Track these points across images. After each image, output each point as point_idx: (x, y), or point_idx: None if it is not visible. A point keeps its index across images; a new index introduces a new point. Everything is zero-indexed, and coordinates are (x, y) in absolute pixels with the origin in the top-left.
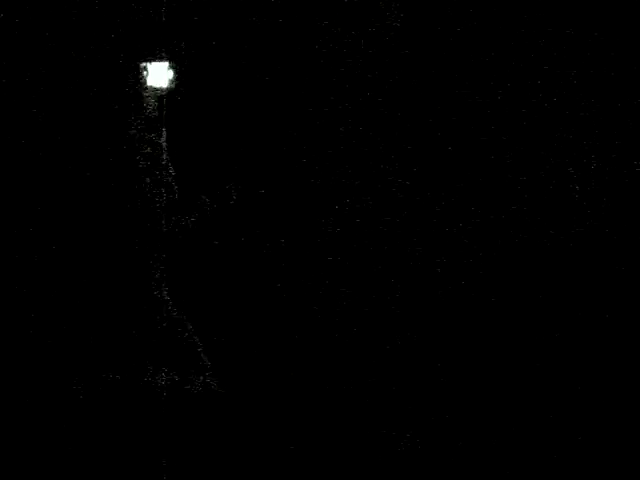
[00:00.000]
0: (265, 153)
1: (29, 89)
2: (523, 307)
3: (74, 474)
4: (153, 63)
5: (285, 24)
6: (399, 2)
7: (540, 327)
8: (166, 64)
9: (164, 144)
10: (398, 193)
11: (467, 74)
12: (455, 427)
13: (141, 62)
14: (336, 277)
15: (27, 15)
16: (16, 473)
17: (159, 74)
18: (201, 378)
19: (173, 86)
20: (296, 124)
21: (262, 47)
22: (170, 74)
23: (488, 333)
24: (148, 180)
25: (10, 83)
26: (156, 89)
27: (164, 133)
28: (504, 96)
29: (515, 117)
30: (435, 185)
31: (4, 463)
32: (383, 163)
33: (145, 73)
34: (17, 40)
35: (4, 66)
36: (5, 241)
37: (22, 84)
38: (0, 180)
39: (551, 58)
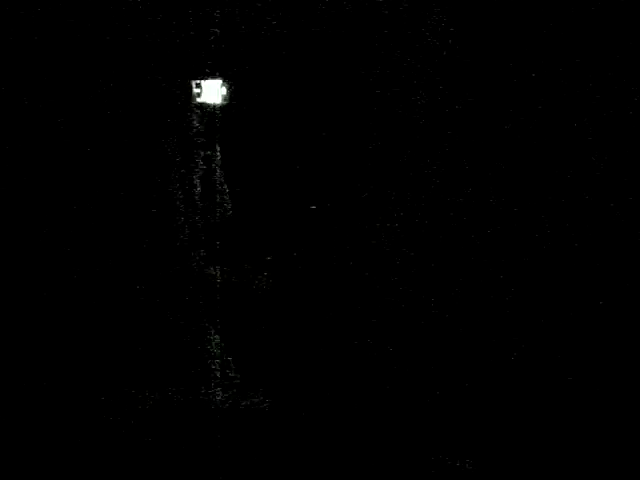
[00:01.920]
0: (317, 167)
1: (87, 106)
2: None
3: None
4: (207, 80)
5: (335, 42)
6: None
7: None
8: (219, 81)
9: (218, 159)
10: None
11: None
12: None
13: (196, 80)
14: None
15: (84, 37)
16: None
17: (213, 91)
18: (253, 396)
19: (226, 102)
20: (350, 141)
21: (314, 64)
22: (223, 91)
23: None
24: (202, 195)
25: (71, 101)
26: (210, 105)
27: (218, 149)
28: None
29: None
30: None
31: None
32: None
33: (199, 90)
34: (77, 63)
35: (67, 86)
36: (64, 259)
37: (81, 101)
38: (56, 194)
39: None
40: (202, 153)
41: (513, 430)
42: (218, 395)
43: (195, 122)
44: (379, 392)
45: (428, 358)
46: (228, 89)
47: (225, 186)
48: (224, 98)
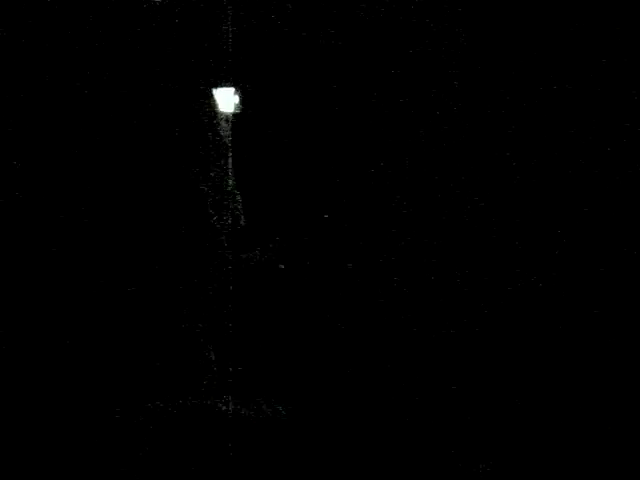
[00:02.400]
0: (332, 178)
1: (102, 115)
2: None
3: None
4: (220, 89)
5: (348, 50)
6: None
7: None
8: (232, 89)
9: (230, 168)
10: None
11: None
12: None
13: (208, 88)
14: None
15: (98, 45)
16: None
17: (225, 99)
18: (265, 404)
19: (239, 111)
20: (363, 152)
21: (327, 72)
22: (236, 99)
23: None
24: (214, 205)
25: (85, 109)
26: (223, 114)
27: (230, 157)
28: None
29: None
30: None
31: None
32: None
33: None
34: (92, 69)
35: (82, 95)
36: (76, 267)
37: (96, 111)
38: (72, 207)
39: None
40: (215, 161)
41: (533, 431)
42: (227, 403)
43: (209, 130)
44: (398, 395)
45: (446, 358)
46: (241, 97)
47: (238, 196)
48: (236, 107)
